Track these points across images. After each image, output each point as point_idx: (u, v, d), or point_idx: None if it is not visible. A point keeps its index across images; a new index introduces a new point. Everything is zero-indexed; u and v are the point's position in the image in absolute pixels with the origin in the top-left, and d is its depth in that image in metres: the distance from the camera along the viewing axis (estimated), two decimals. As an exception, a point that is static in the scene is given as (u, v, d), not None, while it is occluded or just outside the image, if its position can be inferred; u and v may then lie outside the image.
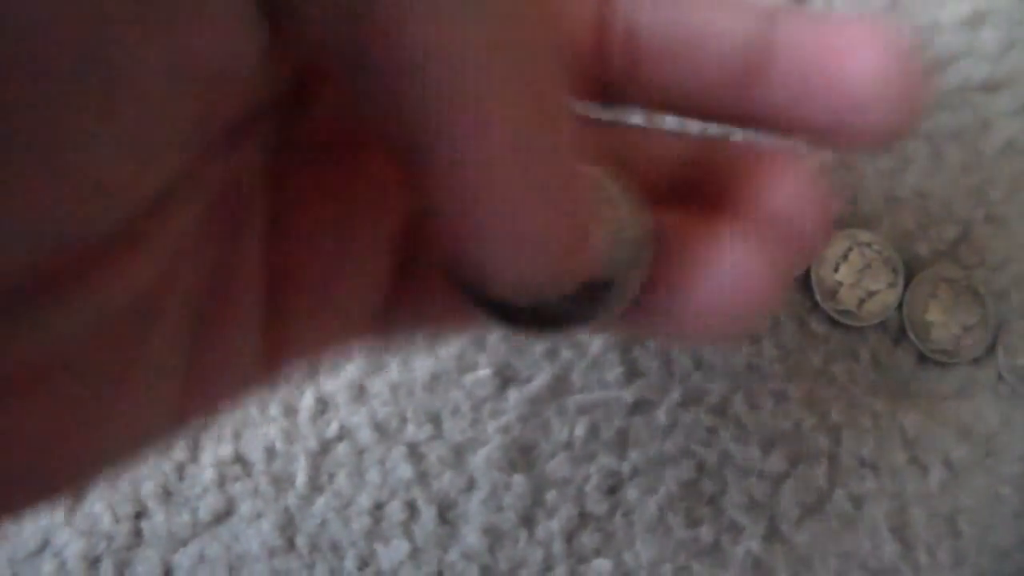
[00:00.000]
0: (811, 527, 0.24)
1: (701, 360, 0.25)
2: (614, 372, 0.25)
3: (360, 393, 0.25)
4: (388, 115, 0.10)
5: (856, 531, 0.24)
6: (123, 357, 0.11)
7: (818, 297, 0.25)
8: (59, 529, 0.24)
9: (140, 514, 0.25)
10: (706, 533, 0.24)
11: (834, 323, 0.25)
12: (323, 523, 0.24)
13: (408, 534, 0.24)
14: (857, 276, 0.25)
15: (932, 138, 0.26)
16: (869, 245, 0.25)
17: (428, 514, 0.24)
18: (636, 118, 0.17)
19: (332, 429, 0.25)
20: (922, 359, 0.25)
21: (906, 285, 0.25)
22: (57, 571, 0.24)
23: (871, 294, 0.25)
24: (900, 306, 0.25)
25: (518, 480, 0.24)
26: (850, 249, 0.25)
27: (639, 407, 0.25)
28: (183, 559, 0.24)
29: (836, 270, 0.25)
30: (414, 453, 0.24)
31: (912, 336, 0.25)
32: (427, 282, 0.15)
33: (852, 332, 0.25)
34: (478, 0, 0.10)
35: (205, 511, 0.24)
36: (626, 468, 0.24)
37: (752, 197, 0.15)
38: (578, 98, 0.16)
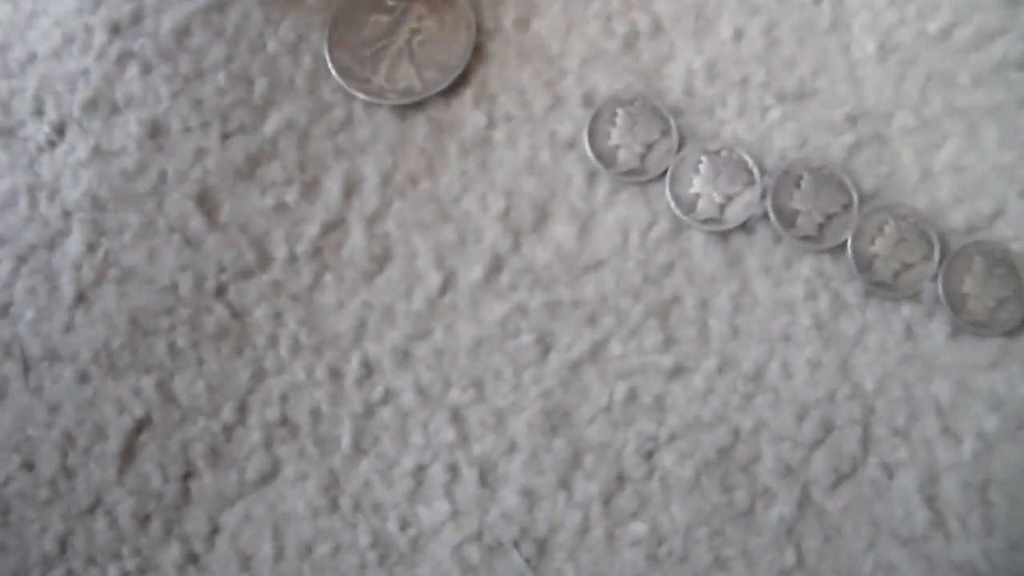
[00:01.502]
0: (843, 494, 0.25)
1: (738, 328, 0.26)
2: (653, 339, 0.26)
3: (405, 358, 0.26)
4: None
5: (888, 499, 0.25)
6: None
7: (854, 268, 0.26)
8: (111, 488, 0.26)
9: (189, 474, 0.26)
10: (740, 498, 0.25)
11: (869, 294, 0.26)
12: (366, 484, 0.26)
13: (449, 495, 0.26)
14: (893, 248, 0.26)
15: (969, 114, 0.27)
16: (905, 218, 0.26)
17: (469, 476, 0.26)
18: None
19: (377, 393, 0.26)
20: (956, 331, 0.26)
21: (941, 258, 0.26)
22: (108, 528, 0.26)
23: (907, 266, 0.26)
24: (935, 278, 0.26)
25: (558, 443, 0.26)
26: (886, 222, 0.26)
27: (677, 373, 0.26)
28: (230, 518, 0.26)
29: (872, 242, 0.26)
30: (457, 417, 0.26)
31: (946, 308, 0.26)
32: None
33: (887, 303, 0.26)
34: None
35: (252, 472, 0.26)
36: (663, 433, 0.26)
37: None
38: None
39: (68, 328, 0.27)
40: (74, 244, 0.27)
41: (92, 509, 0.26)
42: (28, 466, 0.26)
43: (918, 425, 0.26)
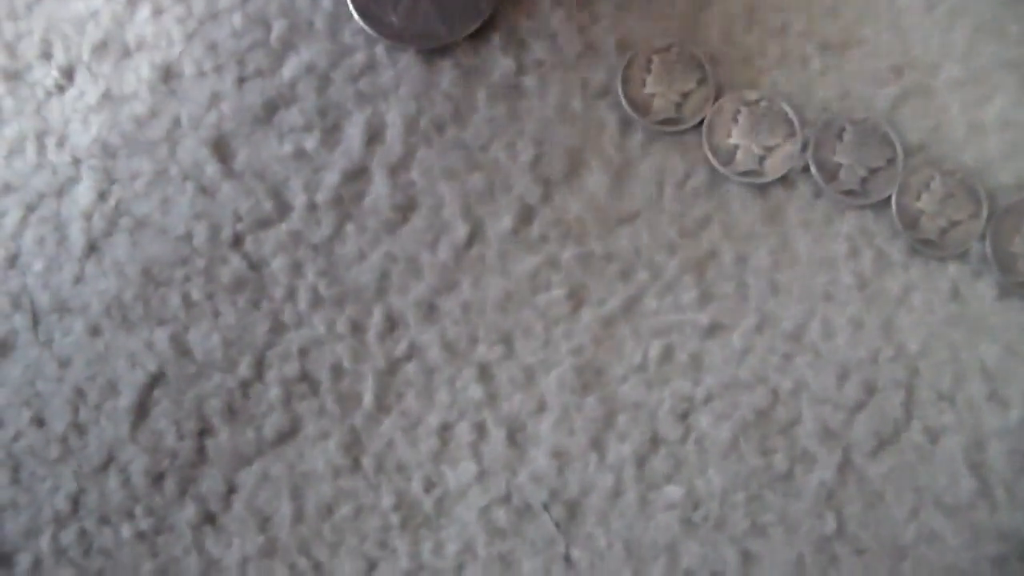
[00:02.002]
0: (885, 459, 0.25)
1: (777, 285, 0.25)
2: (689, 295, 0.25)
3: (430, 312, 0.25)
4: None
5: (932, 465, 0.25)
6: None
7: (899, 225, 0.25)
8: (124, 445, 0.25)
9: (204, 431, 0.25)
10: (779, 462, 0.25)
11: (914, 252, 0.25)
12: (390, 444, 0.25)
13: (476, 456, 0.25)
14: (939, 205, 0.25)
15: (1020, 67, 0.26)
16: (952, 174, 0.25)
17: (497, 436, 0.25)
18: None
19: (401, 348, 0.25)
20: (1004, 292, 0.25)
21: (990, 216, 0.25)
22: (121, 486, 0.25)
23: (954, 224, 0.25)
24: (983, 237, 0.25)
25: (589, 403, 0.25)
26: (933, 177, 0.25)
27: (713, 331, 0.25)
28: (247, 477, 0.25)
29: (918, 198, 0.25)
30: (484, 374, 0.25)
31: (995, 268, 0.25)
32: None
33: (932, 262, 0.25)
34: None
35: (270, 430, 0.25)
36: (699, 393, 0.25)
37: None
38: None
39: (78, 279, 0.26)
40: (84, 192, 0.26)
41: (105, 467, 0.25)
42: (38, 421, 0.26)
43: (964, 389, 0.25)
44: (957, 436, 0.25)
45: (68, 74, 0.27)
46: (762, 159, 0.26)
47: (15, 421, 0.26)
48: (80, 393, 0.26)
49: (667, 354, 0.25)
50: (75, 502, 0.25)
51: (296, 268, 0.26)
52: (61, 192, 0.26)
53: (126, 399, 0.25)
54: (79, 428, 0.26)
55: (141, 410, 0.25)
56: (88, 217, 0.26)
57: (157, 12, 0.27)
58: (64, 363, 0.26)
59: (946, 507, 0.24)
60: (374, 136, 0.26)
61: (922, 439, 0.25)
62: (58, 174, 0.26)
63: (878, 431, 0.25)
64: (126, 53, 0.27)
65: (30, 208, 0.26)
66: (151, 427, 0.25)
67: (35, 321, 0.26)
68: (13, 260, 0.26)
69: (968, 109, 0.26)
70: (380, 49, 0.26)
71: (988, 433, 0.25)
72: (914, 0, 0.26)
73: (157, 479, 0.25)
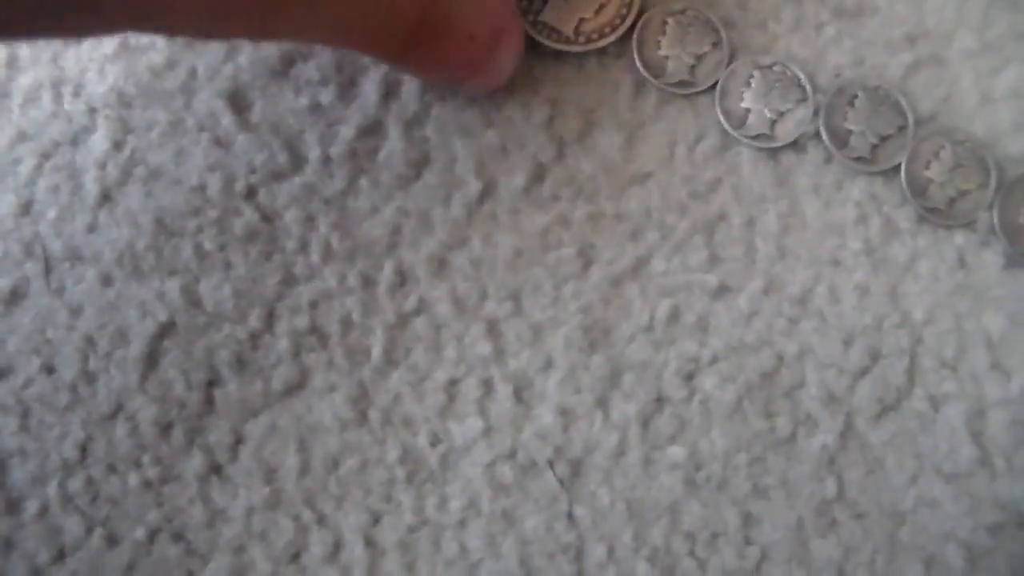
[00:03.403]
0: (888, 426, 0.25)
1: (785, 249, 0.25)
2: (698, 256, 0.25)
3: (441, 267, 0.25)
4: None
5: (933, 433, 0.25)
6: None
7: (907, 193, 0.25)
8: (132, 394, 0.25)
9: (213, 382, 0.26)
10: (782, 425, 0.25)
11: (922, 220, 0.25)
12: (397, 398, 0.25)
13: (482, 412, 0.25)
14: (949, 174, 0.25)
15: None
16: (962, 144, 0.25)
17: (504, 392, 0.25)
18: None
19: (411, 303, 0.25)
20: (1010, 262, 0.25)
21: (998, 186, 0.25)
22: (129, 435, 0.25)
23: (962, 193, 0.25)
24: (991, 207, 0.25)
25: (596, 361, 0.25)
26: (943, 147, 0.25)
27: (721, 293, 0.25)
28: (254, 429, 0.25)
29: (927, 167, 0.25)
30: (493, 330, 0.25)
31: (1002, 238, 0.25)
32: None
33: (940, 230, 0.25)
34: None
35: (278, 381, 0.25)
36: (705, 354, 0.25)
37: None
38: None
39: (91, 228, 0.26)
40: (99, 141, 0.26)
41: (113, 415, 0.26)
42: (49, 369, 0.26)
43: (967, 358, 0.25)
44: (959, 405, 0.25)
45: (84, 24, 0.27)
46: (774, 123, 0.26)
47: (25, 368, 0.26)
48: (90, 341, 0.26)
49: (674, 315, 0.25)
50: (83, 450, 0.26)
51: (309, 221, 0.26)
52: (76, 141, 0.26)
53: (136, 348, 0.26)
54: (88, 376, 0.26)
55: (150, 360, 0.26)
56: (102, 166, 0.26)
57: (174, -36, 0.27)
58: (75, 311, 0.26)
59: (946, 475, 0.25)
60: (390, 92, 0.26)
61: (924, 406, 0.25)
62: (73, 123, 0.26)
63: (881, 397, 0.25)
64: (142, 5, 0.27)
65: (45, 156, 0.26)
66: (160, 377, 0.26)
67: (47, 269, 0.26)
68: (27, 208, 0.26)
69: (980, 80, 0.26)
70: (396, 6, 0.26)
71: (990, 403, 0.25)
72: None
73: (165, 429, 0.25)
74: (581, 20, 0.25)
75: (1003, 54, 0.26)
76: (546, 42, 0.26)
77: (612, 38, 0.25)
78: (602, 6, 0.25)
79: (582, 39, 0.25)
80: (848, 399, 0.25)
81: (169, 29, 0.21)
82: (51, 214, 0.26)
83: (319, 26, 0.21)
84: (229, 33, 0.24)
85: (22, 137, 0.27)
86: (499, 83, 0.25)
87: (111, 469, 0.25)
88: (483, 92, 0.26)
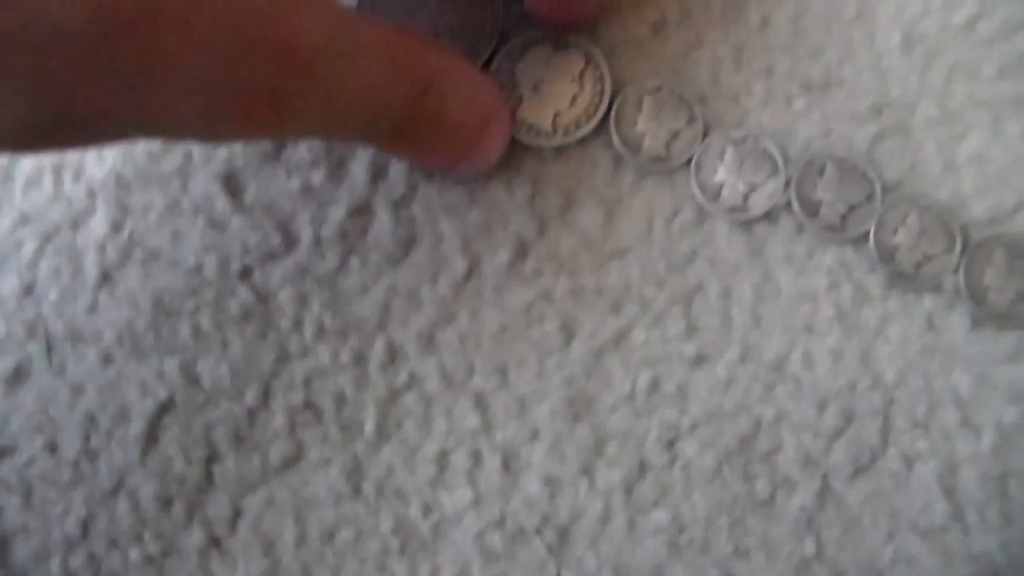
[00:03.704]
0: (863, 485, 0.26)
1: (760, 317, 0.26)
2: (676, 327, 0.26)
3: (429, 343, 0.27)
4: None
5: (907, 490, 0.26)
6: None
7: (876, 259, 0.27)
8: (133, 470, 0.27)
9: (212, 458, 0.27)
10: (761, 488, 0.26)
11: (891, 285, 0.27)
12: (389, 470, 0.26)
13: (472, 482, 0.26)
14: (915, 240, 0.27)
15: (993, 105, 0.27)
16: (928, 209, 0.27)
17: (492, 463, 0.26)
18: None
19: (401, 378, 0.27)
20: (977, 322, 0.27)
21: (963, 250, 0.27)
22: (131, 511, 0.26)
23: (928, 257, 0.27)
24: (956, 270, 0.27)
25: (580, 431, 0.26)
26: (909, 213, 0.27)
27: (699, 362, 0.26)
28: (252, 503, 0.26)
29: (895, 233, 0.27)
30: (480, 403, 0.26)
31: (968, 300, 0.26)
32: None
33: (908, 294, 0.27)
34: None
35: (275, 456, 0.27)
36: (685, 422, 0.26)
37: None
38: None
39: (92, 309, 0.27)
40: (99, 224, 0.27)
41: (115, 492, 0.27)
42: (51, 447, 0.27)
43: (938, 416, 0.26)
44: (931, 462, 0.26)
45: (81, 110, 0.28)
46: (747, 196, 0.27)
47: (28, 447, 0.27)
48: (92, 419, 0.27)
49: (655, 384, 0.26)
50: (85, 526, 0.27)
51: (302, 300, 0.27)
52: (76, 223, 0.28)
53: (136, 426, 0.27)
54: (90, 454, 0.27)
55: (151, 437, 0.27)
56: (102, 248, 0.27)
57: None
58: (77, 390, 0.27)
59: (921, 530, 0.26)
60: (378, 173, 0.27)
61: (898, 465, 0.26)
62: (73, 206, 0.28)
63: (856, 457, 0.26)
64: (137, 91, 0.28)
65: (46, 238, 0.28)
66: (160, 453, 0.27)
67: (49, 349, 0.27)
68: (29, 289, 0.27)
69: (943, 147, 0.27)
70: (382, 90, 0.27)
71: (961, 459, 0.26)
72: (892, 42, 0.28)
73: (165, 504, 0.26)
74: (557, 113, 0.27)
75: (964, 122, 0.27)
76: (525, 139, 0.27)
77: (588, 128, 0.27)
78: (575, 96, 0.27)
79: (560, 132, 0.27)
80: (824, 460, 0.26)
81: (178, 137, 0.22)
82: (53, 295, 0.27)
83: (319, 126, 0.23)
84: (236, 139, 0.25)
85: (24, 220, 0.28)
86: (488, 167, 0.27)
87: (113, 544, 0.26)
88: (473, 175, 0.27)
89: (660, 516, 0.26)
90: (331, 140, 0.27)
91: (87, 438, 0.27)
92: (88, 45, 0.17)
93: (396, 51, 0.23)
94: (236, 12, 0.19)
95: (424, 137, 0.25)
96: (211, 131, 0.21)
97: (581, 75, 0.27)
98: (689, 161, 0.27)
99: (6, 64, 0.17)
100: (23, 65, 0.17)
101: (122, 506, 0.26)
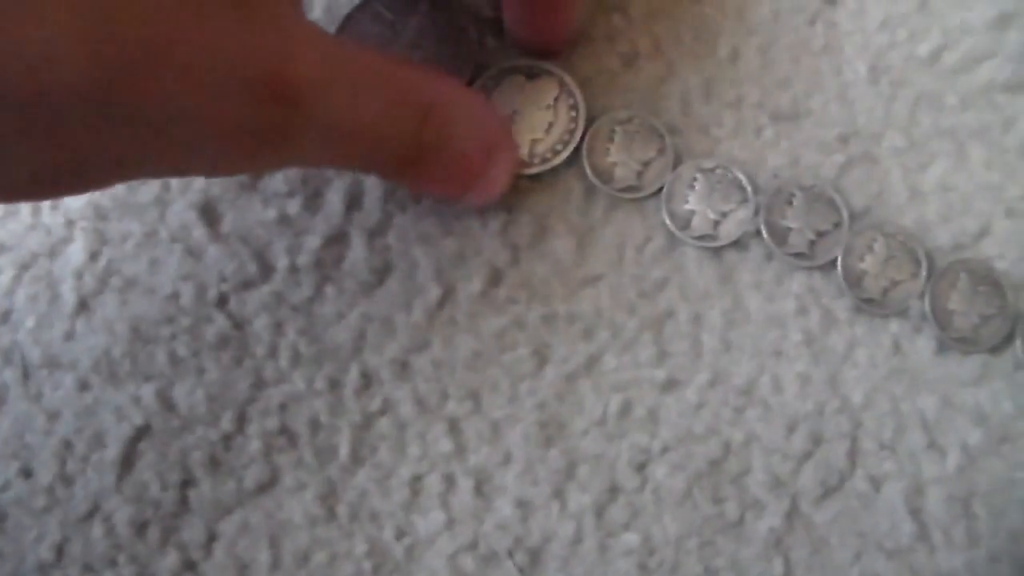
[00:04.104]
0: (831, 506, 0.28)
1: (730, 343, 0.29)
2: (647, 352, 0.28)
3: (403, 369, 0.29)
4: None
5: (874, 511, 0.28)
6: None
7: (844, 285, 0.29)
8: (109, 495, 0.28)
9: (187, 482, 0.28)
10: (731, 510, 0.28)
11: (858, 310, 0.29)
12: (363, 494, 0.28)
13: (445, 506, 0.28)
14: (882, 266, 0.29)
15: (956, 134, 0.29)
16: (894, 236, 0.29)
17: (465, 486, 0.28)
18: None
19: (375, 403, 0.28)
20: (942, 346, 0.29)
21: (928, 275, 0.29)
22: (106, 535, 0.28)
23: (895, 283, 0.29)
24: (922, 295, 0.29)
25: (552, 455, 0.28)
26: (875, 240, 0.29)
27: (670, 386, 0.28)
28: (227, 526, 0.28)
29: (862, 260, 0.29)
30: (453, 428, 0.28)
31: (933, 324, 0.28)
32: None
33: (875, 319, 0.29)
34: None
35: (250, 480, 0.28)
36: (656, 445, 0.28)
37: None
38: None
39: (69, 336, 0.29)
40: (76, 252, 0.29)
41: (90, 516, 0.28)
42: (26, 473, 0.29)
43: (904, 439, 0.28)
44: (898, 483, 0.28)
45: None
46: (717, 224, 0.29)
47: (3, 472, 0.29)
48: (67, 445, 0.29)
49: (626, 409, 0.28)
50: (59, 551, 0.28)
51: (278, 327, 0.29)
52: (54, 252, 0.29)
53: (112, 451, 0.28)
54: (65, 479, 0.29)
55: (126, 462, 0.28)
56: (79, 276, 0.29)
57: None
58: (53, 416, 0.29)
59: (888, 550, 0.27)
60: (353, 202, 0.29)
61: (865, 486, 0.28)
62: (51, 235, 0.30)
63: (824, 480, 0.28)
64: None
65: (23, 267, 0.29)
66: (136, 478, 0.28)
67: (25, 375, 0.29)
68: (6, 316, 0.29)
69: (909, 175, 0.29)
70: (357, 119, 0.30)
71: (927, 480, 0.28)
72: (859, 73, 0.30)
73: (140, 528, 0.28)
74: (534, 141, 0.29)
75: (929, 150, 0.29)
76: None
77: (564, 155, 0.29)
78: (551, 124, 0.29)
79: (537, 160, 0.29)
80: (793, 482, 0.28)
81: (181, 175, 0.24)
82: (30, 322, 0.29)
83: (321, 157, 0.25)
84: (237, 173, 0.27)
85: (1, 249, 0.30)
86: (495, 197, 0.28)
87: (87, 569, 0.28)
88: (479, 205, 0.29)
89: (631, 538, 0.28)
90: (334, 168, 0.29)
91: (63, 463, 0.28)
92: (94, 94, 0.18)
93: (395, 81, 0.25)
94: (237, 52, 0.20)
95: (427, 167, 0.26)
96: (213, 168, 0.23)
97: (555, 102, 0.29)
98: (660, 190, 0.29)
99: (14, 116, 0.18)
100: (31, 117, 0.18)
101: (97, 530, 0.28)
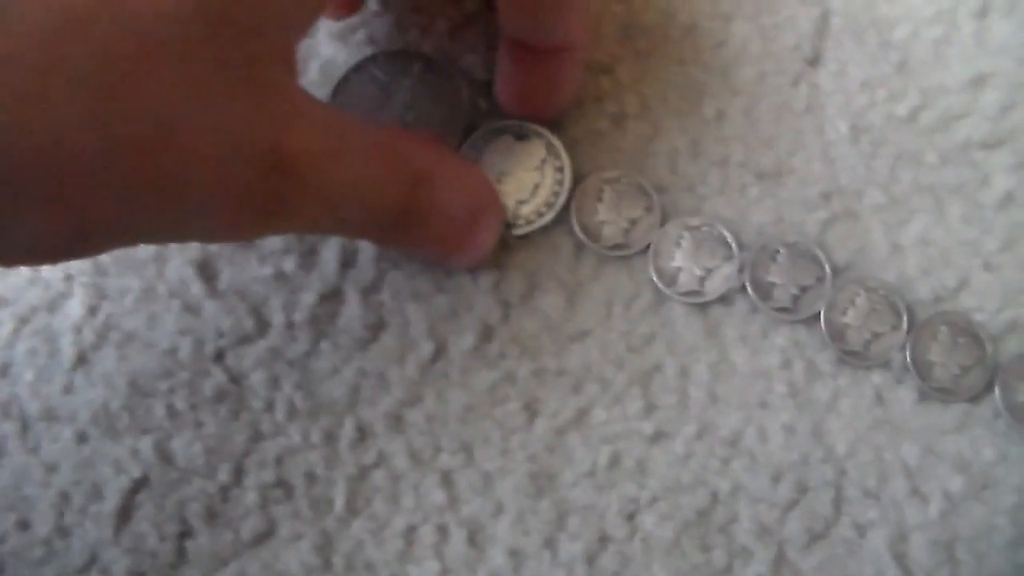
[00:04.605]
0: (817, 553, 0.30)
1: (716, 395, 0.32)
2: (635, 405, 0.31)
3: (397, 423, 0.31)
4: None
5: (860, 558, 0.30)
6: None
7: (827, 338, 0.31)
8: (106, 546, 0.31)
9: (185, 534, 0.31)
10: (718, 558, 0.31)
11: (841, 362, 0.31)
12: (359, 545, 0.31)
13: (439, 556, 0.31)
14: (864, 319, 0.31)
15: (935, 191, 0.32)
16: (875, 290, 0.32)
17: (458, 537, 0.31)
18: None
19: (370, 456, 0.31)
20: (923, 396, 0.31)
21: (909, 328, 0.31)
22: (104, 587, 0.31)
23: (877, 336, 0.31)
24: (903, 347, 0.31)
25: (543, 505, 0.31)
26: (858, 294, 0.32)
27: (658, 438, 0.31)
28: (224, 578, 0.31)
29: (844, 313, 0.31)
30: (446, 480, 0.31)
31: (914, 375, 0.31)
32: None
33: (858, 371, 0.31)
34: None
35: (247, 532, 0.31)
36: (645, 496, 0.31)
37: None
38: None
39: (67, 389, 0.32)
40: (75, 307, 0.32)
41: (87, 568, 0.31)
42: (24, 525, 0.31)
43: (888, 486, 0.30)
44: (882, 530, 0.30)
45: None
46: (703, 280, 0.32)
47: (1, 524, 0.31)
48: (65, 497, 0.31)
49: (615, 460, 0.31)
50: (56, 603, 0.31)
51: (274, 382, 0.31)
52: (53, 306, 0.32)
53: (110, 503, 0.31)
54: (63, 531, 0.31)
55: (124, 513, 0.31)
56: (78, 330, 0.32)
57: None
58: (51, 468, 0.31)
59: (874, 598, 0.30)
60: (348, 260, 0.32)
61: (850, 533, 0.30)
62: (51, 289, 0.32)
63: (810, 527, 0.30)
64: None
65: (23, 321, 0.32)
66: (133, 530, 0.31)
67: (24, 428, 0.32)
68: (5, 370, 0.32)
69: (890, 231, 0.32)
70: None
71: (911, 527, 0.30)
72: (840, 132, 0.33)
73: (139, 579, 0.31)
74: (520, 203, 0.32)
75: (909, 207, 0.32)
76: None
77: (550, 216, 0.31)
78: (537, 186, 0.32)
79: (522, 221, 0.31)
80: (779, 530, 0.30)
81: (179, 242, 0.26)
82: (28, 376, 0.32)
83: (314, 225, 0.27)
84: (233, 241, 0.29)
85: (1, 302, 0.32)
86: (481, 258, 0.31)
87: (86, 621, 0.31)
88: (466, 267, 0.31)
89: None
90: (325, 235, 0.31)
91: (60, 515, 0.30)
92: (98, 167, 0.21)
93: (387, 151, 0.27)
94: (240, 126, 0.23)
95: (417, 231, 0.28)
96: (211, 236, 0.25)
97: (542, 164, 0.32)
98: (647, 248, 0.31)
99: (26, 185, 0.20)
100: (36, 186, 0.20)
101: None
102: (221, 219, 0.24)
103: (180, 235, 0.25)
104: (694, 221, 0.32)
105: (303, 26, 0.26)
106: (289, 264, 0.32)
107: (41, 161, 0.20)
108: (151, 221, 0.23)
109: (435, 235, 0.29)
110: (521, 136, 0.32)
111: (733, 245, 0.32)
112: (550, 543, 0.30)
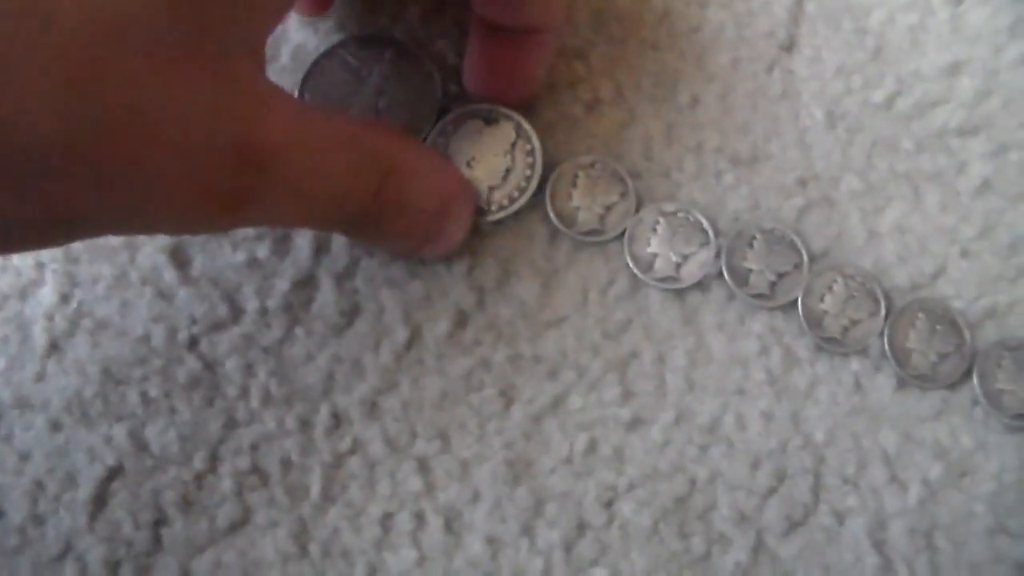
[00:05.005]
0: (796, 540, 0.30)
1: (694, 382, 0.32)
2: (612, 392, 0.31)
3: (373, 409, 0.31)
4: None
5: (839, 545, 0.30)
6: None
7: (805, 325, 0.31)
8: (81, 535, 0.31)
9: (160, 521, 0.31)
10: (697, 545, 0.31)
11: (819, 349, 0.31)
12: (335, 532, 0.31)
13: (416, 543, 0.31)
14: (841, 306, 0.32)
15: (912, 178, 0.32)
16: (853, 277, 0.32)
17: (435, 524, 0.31)
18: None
19: (346, 443, 0.31)
20: (901, 384, 0.31)
21: (887, 315, 0.31)
22: (78, 575, 0.31)
23: (854, 323, 0.31)
24: (881, 334, 0.31)
25: (520, 493, 0.31)
26: (835, 281, 0.32)
27: (635, 425, 0.31)
28: (200, 565, 0.31)
29: (822, 300, 0.31)
30: (423, 466, 0.31)
31: (892, 362, 0.31)
32: None
33: (836, 358, 0.31)
34: None
35: (223, 519, 0.31)
36: (622, 483, 0.31)
37: None
38: None
39: (40, 377, 0.32)
40: (47, 294, 0.32)
41: (62, 556, 0.31)
42: (-3, 514, 0.31)
43: (866, 474, 0.31)
44: (861, 517, 0.30)
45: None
46: (679, 266, 0.32)
47: (-27, 514, 0.31)
48: (39, 485, 0.31)
49: (592, 447, 0.31)
50: (30, 592, 0.31)
51: (248, 369, 0.31)
52: (25, 294, 0.32)
53: (84, 491, 0.31)
54: (37, 519, 0.31)
55: (99, 501, 0.31)
56: (50, 318, 0.32)
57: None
58: (24, 456, 0.31)
59: (852, 585, 0.30)
60: (321, 247, 0.32)
61: (829, 521, 0.30)
62: (22, 277, 0.32)
63: (789, 515, 0.30)
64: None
65: (-6, 310, 0.32)
66: (108, 517, 0.31)
67: (-4, 418, 0.32)
68: (-23, 360, 0.32)
69: (866, 217, 0.32)
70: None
71: (889, 514, 0.30)
72: (816, 119, 0.33)
73: (113, 568, 0.30)
74: (491, 188, 0.32)
75: (886, 193, 0.32)
76: None
77: (522, 201, 0.31)
78: (508, 170, 0.32)
79: (495, 207, 0.31)
80: (758, 518, 0.30)
81: (147, 233, 0.26)
82: (0, 364, 0.32)
83: (282, 217, 0.27)
84: (201, 232, 0.29)
85: (-27, 293, 0.32)
86: (452, 249, 0.31)
87: (59, 610, 0.31)
88: (437, 258, 0.31)
89: (599, 574, 0.30)
90: (295, 228, 0.31)
91: (34, 503, 0.30)
92: (62, 153, 0.20)
93: (356, 143, 0.27)
94: (209, 117, 0.22)
95: (387, 223, 0.28)
96: (179, 227, 0.25)
97: (512, 148, 0.32)
98: (623, 234, 0.32)
99: None
100: (2, 172, 0.20)
101: (69, 571, 0.30)
102: (188, 211, 0.24)
103: (148, 226, 0.25)
104: (669, 207, 0.32)
105: (272, 20, 0.26)
106: (263, 250, 0.32)
107: (1, 147, 0.20)
108: (117, 210, 0.23)
109: (405, 227, 0.29)
110: (491, 120, 0.32)
111: (709, 231, 0.32)
112: (527, 530, 0.30)
